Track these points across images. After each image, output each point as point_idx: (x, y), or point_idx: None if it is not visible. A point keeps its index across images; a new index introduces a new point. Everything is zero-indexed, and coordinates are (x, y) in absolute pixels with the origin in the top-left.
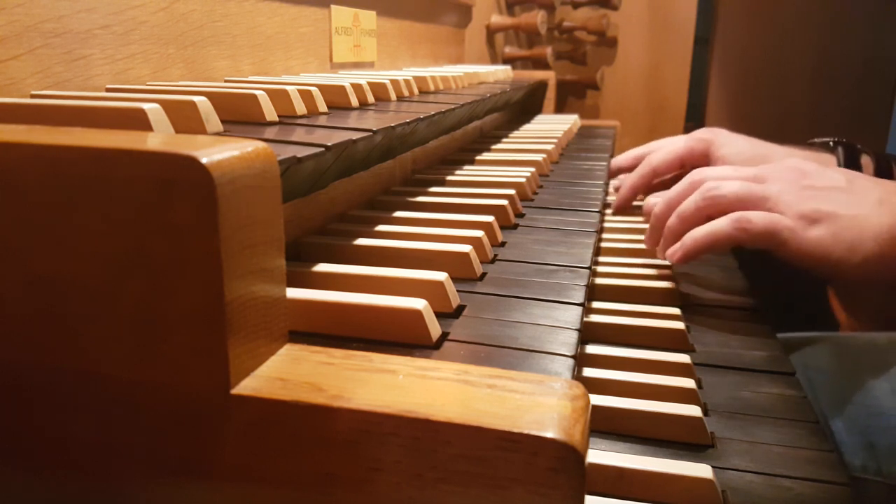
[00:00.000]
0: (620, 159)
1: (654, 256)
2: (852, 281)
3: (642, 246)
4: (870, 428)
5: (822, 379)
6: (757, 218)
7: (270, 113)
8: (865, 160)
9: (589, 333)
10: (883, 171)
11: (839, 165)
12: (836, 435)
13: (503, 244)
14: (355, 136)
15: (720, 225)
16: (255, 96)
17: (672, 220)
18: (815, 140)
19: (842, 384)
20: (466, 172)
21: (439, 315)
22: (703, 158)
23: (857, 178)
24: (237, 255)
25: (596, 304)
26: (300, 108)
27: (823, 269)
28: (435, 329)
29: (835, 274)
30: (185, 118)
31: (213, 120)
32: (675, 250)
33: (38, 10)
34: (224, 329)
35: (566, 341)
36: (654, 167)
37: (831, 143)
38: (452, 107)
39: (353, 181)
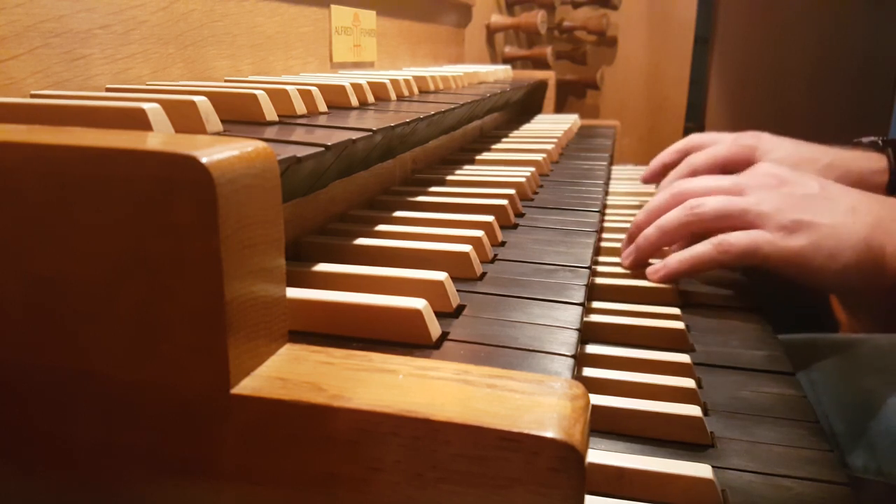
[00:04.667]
0: (664, 156)
1: (657, 257)
2: (833, 288)
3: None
4: (870, 429)
5: (823, 380)
6: (736, 239)
7: (270, 113)
8: None
9: (589, 333)
10: None
11: (890, 165)
12: (836, 435)
13: (503, 244)
14: (355, 135)
15: (703, 249)
16: (255, 96)
17: (651, 231)
18: (862, 139)
19: (842, 385)
20: (466, 172)
21: (439, 315)
22: (746, 165)
23: (828, 185)
24: (237, 254)
25: (596, 304)
26: (300, 107)
27: (805, 277)
28: (435, 329)
29: (816, 282)
30: (184, 118)
31: (212, 120)
32: (657, 269)
33: (38, 9)
34: (224, 329)
35: (566, 341)
36: (694, 168)
37: (880, 143)
38: (452, 106)
39: (353, 181)
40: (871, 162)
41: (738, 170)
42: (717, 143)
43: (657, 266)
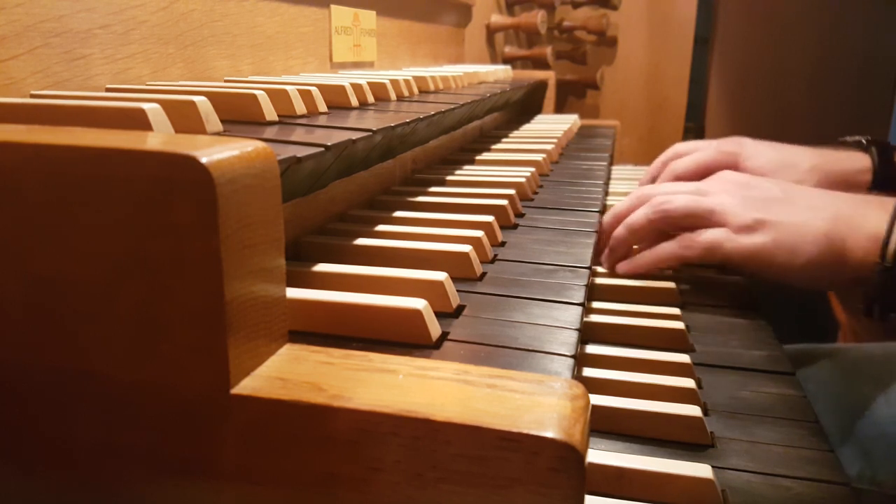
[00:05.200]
0: (652, 170)
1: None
2: (798, 283)
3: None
4: (866, 437)
5: (819, 389)
6: (699, 236)
7: (270, 113)
8: None
9: (589, 333)
10: None
11: (873, 164)
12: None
13: (503, 244)
14: (355, 135)
15: (667, 246)
16: (254, 96)
17: (620, 231)
18: (847, 139)
19: (838, 394)
20: (466, 172)
21: (439, 315)
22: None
23: (789, 188)
24: (237, 254)
25: (596, 304)
26: (300, 107)
27: (770, 273)
28: (435, 329)
29: (781, 277)
30: (184, 118)
31: (212, 120)
32: (623, 264)
33: (38, 9)
34: (224, 329)
35: (566, 341)
36: (677, 174)
37: (864, 142)
38: (452, 107)
39: (353, 181)
40: (855, 162)
41: None
42: (700, 150)
43: (624, 263)
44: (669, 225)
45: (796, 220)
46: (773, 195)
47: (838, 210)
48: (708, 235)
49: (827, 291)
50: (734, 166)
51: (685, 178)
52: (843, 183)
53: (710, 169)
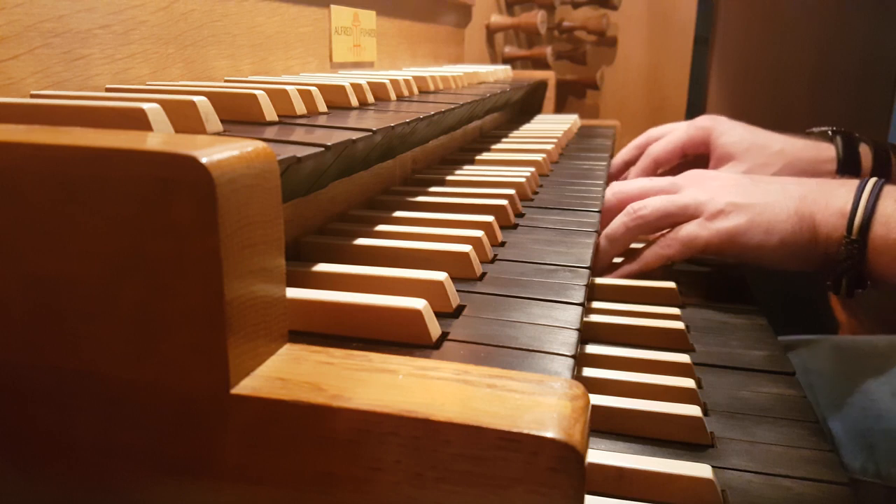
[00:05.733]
0: (624, 153)
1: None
2: (774, 265)
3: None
4: (869, 430)
5: (821, 381)
6: (676, 233)
7: (270, 113)
8: (864, 149)
9: (589, 333)
10: (881, 160)
11: (838, 154)
12: (835, 437)
13: (503, 244)
14: (355, 135)
15: (650, 251)
16: (254, 96)
17: (603, 244)
18: (814, 129)
19: (841, 386)
20: (466, 172)
21: (439, 315)
22: (703, 146)
23: (758, 177)
24: (237, 254)
25: (596, 304)
26: (300, 107)
27: (747, 255)
28: (435, 329)
29: (757, 259)
30: (184, 118)
31: (212, 120)
32: (617, 273)
33: (38, 9)
34: (224, 329)
35: (566, 341)
36: (654, 158)
37: (830, 133)
38: (452, 106)
39: (353, 181)
40: (821, 151)
41: (697, 152)
42: (674, 131)
43: (618, 272)
44: (647, 229)
45: (768, 200)
46: (743, 182)
47: (806, 190)
48: (684, 231)
49: (800, 271)
50: (707, 142)
51: (663, 160)
52: (809, 170)
53: (686, 146)
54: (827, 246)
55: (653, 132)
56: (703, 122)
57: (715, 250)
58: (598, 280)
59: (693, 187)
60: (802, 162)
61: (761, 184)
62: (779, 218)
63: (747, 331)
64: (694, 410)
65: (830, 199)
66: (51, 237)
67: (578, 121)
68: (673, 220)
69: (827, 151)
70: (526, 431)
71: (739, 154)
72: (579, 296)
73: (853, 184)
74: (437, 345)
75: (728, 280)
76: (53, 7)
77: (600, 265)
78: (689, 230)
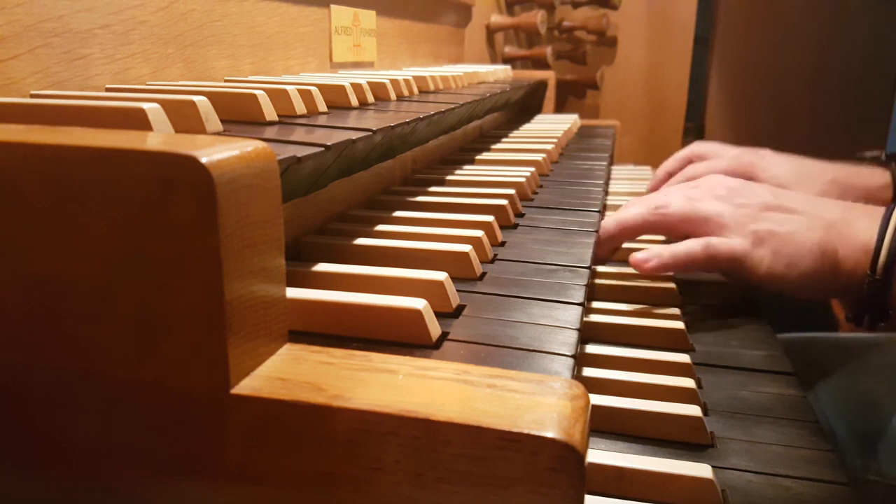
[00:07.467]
0: (668, 164)
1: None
2: (792, 293)
3: (642, 245)
4: (870, 428)
5: (822, 379)
6: (720, 244)
7: (270, 113)
8: None
9: (589, 333)
10: None
11: (894, 179)
12: (836, 435)
13: (503, 244)
14: (355, 135)
15: (693, 247)
16: (254, 96)
17: (612, 229)
18: (865, 154)
19: (842, 384)
20: (466, 172)
21: (439, 315)
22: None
23: (779, 193)
24: (237, 254)
25: (596, 304)
26: (300, 107)
27: (770, 285)
28: (435, 329)
29: (775, 287)
30: (184, 118)
31: (212, 119)
32: (647, 259)
33: (38, 9)
34: (224, 329)
35: (566, 341)
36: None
37: (883, 157)
38: (452, 106)
39: (353, 181)
40: (875, 177)
41: None
42: (720, 156)
43: (645, 256)
44: (665, 229)
45: (790, 229)
46: (765, 201)
47: (830, 220)
48: (727, 245)
49: (819, 300)
50: (750, 177)
51: None
52: (863, 198)
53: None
54: (849, 282)
55: (698, 148)
56: (747, 156)
57: (743, 277)
58: (599, 280)
59: (714, 201)
60: (858, 190)
61: (783, 204)
62: (801, 251)
63: (747, 331)
64: (694, 410)
65: (855, 232)
66: (51, 237)
67: (578, 121)
68: (693, 227)
69: (881, 178)
70: (526, 431)
71: (791, 187)
72: (579, 296)
73: (878, 214)
74: (437, 345)
75: (728, 280)
76: (53, 7)
77: (601, 252)
78: (731, 247)
